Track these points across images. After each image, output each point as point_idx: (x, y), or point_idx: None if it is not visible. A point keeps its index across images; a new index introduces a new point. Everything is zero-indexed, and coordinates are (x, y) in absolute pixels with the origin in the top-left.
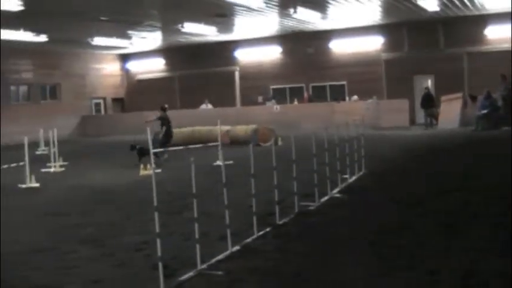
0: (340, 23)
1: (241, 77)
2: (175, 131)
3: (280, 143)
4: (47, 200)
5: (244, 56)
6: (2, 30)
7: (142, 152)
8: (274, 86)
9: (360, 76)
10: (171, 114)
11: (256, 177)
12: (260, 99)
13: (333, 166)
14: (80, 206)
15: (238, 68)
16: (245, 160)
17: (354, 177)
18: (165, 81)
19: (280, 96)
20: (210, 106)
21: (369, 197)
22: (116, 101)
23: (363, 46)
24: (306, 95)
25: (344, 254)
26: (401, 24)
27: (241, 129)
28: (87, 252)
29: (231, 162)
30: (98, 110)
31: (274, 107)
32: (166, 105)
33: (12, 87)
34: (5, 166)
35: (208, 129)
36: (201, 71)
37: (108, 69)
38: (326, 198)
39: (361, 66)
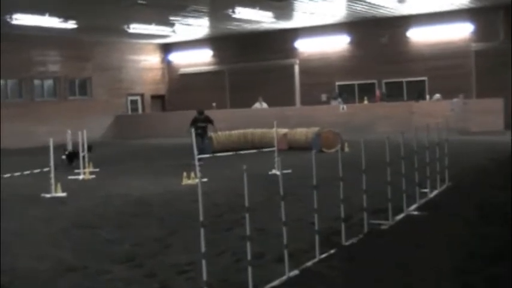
0: (420, 7)
1: (302, 72)
2: (225, 134)
3: (347, 149)
4: (75, 212)
5: (305, 46)
6: (23, 15)
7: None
8: (341, 83)
9: (444, 71)
10: (219, 113)
11: (319, 189)
12: (324, 97)
13: (410, 178)
14: (113, 219)
15: (298, 61)
16: (306, 169)
17: (435, 192)
18: (213, 75)
19: (347, 94)
20: (264, 105)
21: (454, 216)
22: (156, 98)
23: (448, 35)
24: (378, 93)
25: (423, 284)
26: (496, 8)
27: (301, 133)
28: (122, 273)
29: (289, 171)
30: (134, 109)
31: (341, 106)
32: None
33: (36, 81)
34: (27, 172)
35: (263, 132)
36: (254, 64)
37: (147, 61)
38: (401, 215)
39: (445, 59)
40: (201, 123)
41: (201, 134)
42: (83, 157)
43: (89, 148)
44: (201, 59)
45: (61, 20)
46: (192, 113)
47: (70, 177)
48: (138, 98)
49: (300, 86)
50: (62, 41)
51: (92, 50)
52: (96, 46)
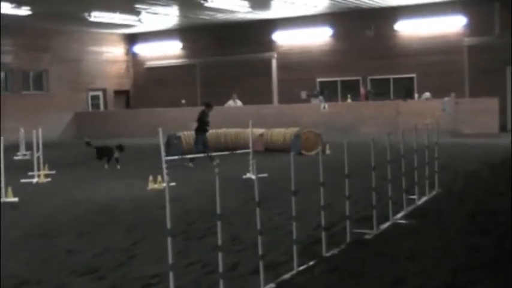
0: None
1: (280, 67)
2: (190, 133)
3: (328, 151)
4: (28, 219)
5: (284, 39)
6: None
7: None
8: (322, 79)
9: (435, 67)
10: (189, 111)
11: (298, 194)
12: (304, 95)
13: (397, 183)
14: (72, 227)
15: (276, 55)
16: (284, 173)
17: (424, 198)
18: (183, 70)
19: (329, 91)
20: (239, 103)
21: (443, 225)
22: (119, 94)
23: (439, 28)
24: (363, 90)
25: None
26: (492, 0)
27: (279, 134)
28: (82, 286)
29: (265, 175)
30: (96, 105)
31: (322, 105)
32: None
33: None
34: None
35: (237, 132)
36: (228, 58)
37: (110, 53)
38: (387, 224)
39: (436, 54)
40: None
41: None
42: (37, 158)
43: (121, 148)
44: (169, 51)
45: (14, 5)
46: (161, 112)
47: (23, 180)
48: (100, 93)
49: (278, 82)
50: (15, 29)
51: (48, 39)
52: (53, 35)
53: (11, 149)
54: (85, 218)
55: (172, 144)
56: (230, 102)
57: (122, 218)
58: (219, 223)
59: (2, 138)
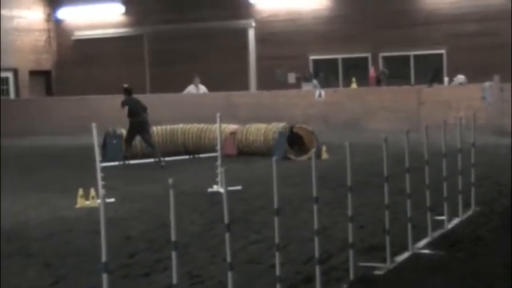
0: None
1: (260, 39)
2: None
3: (325, 155)
4: None
5: (265, 1)
6: None
7: None
8: (317, 56)
9: (471, 40)
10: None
11: (282, 214)
12: (292, 78)
13: (419, 199)
14: None
15: (254, 24)
16: (264, 185)
17: (455, 221)
18: (125, 43)
19: (327, 74)
20: (203, 89)
21: (482, 258)
22: (37, 75)
23: None
24: (373, 72)
25: None
26: None
27: (258, 131)
28: None
29: (239, 187)
30: (4, 91)
31: (317, 92)
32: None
33: None
34: None
35: (200, 129)
36: (188, 26)
37: (23, 18)
38: (405, 255)
39: (472, 22)
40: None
41: (145, 126)
42: None
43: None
44: (107, 17)
45: None
46: (94, 100)
47: None
48: (10, 74)
49: (257, 61)
50: None
51: None
52: None
53: None
54: None
55: (111, 145)
56: (191, 88)
57: (37, 247)
58: (173, 254)
59: None
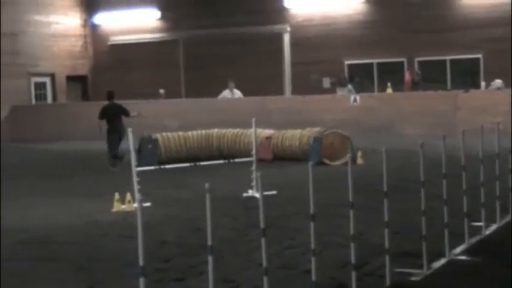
0: None
1: (295, 44)
2: (178, 136)
3: (360, 160)
4: None
5: (300, 6)
6: None
7: None
8: (352, 61)
9: (508, 44)
10: (168, 105)
11: (317, 220)
12: (327, 83)
13: (456, 205)
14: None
15: (289, 28)
16: (299, 190)
17: (493, 227)
18: (161, 48)
19: (362, 78)
20: (238, 94)
21: None
22: (74, 80)
23: None
24: (408, 76)
25: None
26: None
27: (293, 136)
28: None
29: (274, 192)
30: (41, 96)
31: (352, 97)
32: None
33: None
34: None
35: (235, 134)
36: (223, 31)
37: (60, 24)
38: (442, 262)
39: (510, 26)
40: (118, 115)
41: (119, 130)
42: None
43: None
44: (142, 22)
45: None
46: (130, 105)
47: None
48: (47, 79)
49: (292, 66)
50: None
51: None
52: None
53: None
54: (18, 254)
55: (146, 150)
56: (226, 93)
57: (72, 251)
58: (210, 258)
59: None
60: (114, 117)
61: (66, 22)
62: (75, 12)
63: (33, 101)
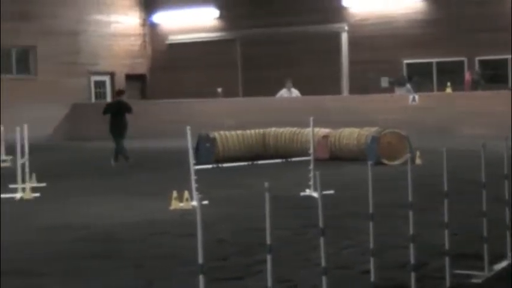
0: None
1: (353, 43)
2: (235, 134)
3: (419, 161)
4: (3, 250)
5: (358, 5)
6: None
7: None
8: (411, 60)
9: None
10: (226, 104)
11: (375, 220)
12: (385, 82)
13: None
14: (61, 263)
15: (346, 27)
16: (356, 190)
17: None
18: (218, 47)
19: (420, 78)
20: (295, 92)
21: None
22: (133, 79)
23: None
24: (468, 76)
25: None
26: None
27: (351, 135)
28: None
29: (331, 192)
30: (100, 95)
31: (410, 97)
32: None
33: None
34: None
35: (292, 133)
36: (280, 30)
37: (120, 24)
38: (504, 264)
39: None
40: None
41: (120, 128)
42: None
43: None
44: (200, 21)
45: None
46: (187, 104)
47: (2, 195)
48: (107, 78)
49: (349, 65)
50: None
51: (35, 3)
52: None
53: None
54: (78, 250)
55: (204, 148)
56: (283, 92)
57: (130, 249)
58: (268, 258)
59: None
60: (117, 113)
61: (126, 21)
62: (134, 11)
63: (93, 99)
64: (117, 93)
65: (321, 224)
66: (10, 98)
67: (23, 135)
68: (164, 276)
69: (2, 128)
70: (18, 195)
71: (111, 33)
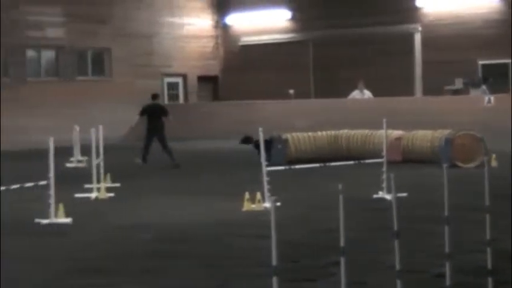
0: None
1: (426, 44)
2: (307, 136)
3: (494, 163)
4: (80, 249)
5: (432, 5)
6: None
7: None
8: (486, 61)
9: None
10: (298, 105)
11: (451, 223)
12: (459, 84)
13: None
14: (134, 262)
15: (420, 28)
16: (430, 192)
17: None
18: (291, 48)
19: (496, 79)
20: (368, 94)
21: None
22: (205, 81)
23: None
24: None
25: None
26: None
27: (424, 138)
28: None
29: (404, 194)
30: (173, 96)
31: (486, 98)
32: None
33: (31, 53)
34: (16, 186)
35: (365, 135)
36: (353, 31)
37: (192, 25)
38: None
39: None
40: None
41: (156, 130)
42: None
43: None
44: (273, 23)
45: None
46: (259, 105)
47: (77, 194)
48: (179, 80)
49: (423, 66)
50: None
51: (110, 6)
52: (116, 1)
53: (62, 153)
54: (151, 250)
55: (276, 150)
56: (355, 93)
57: (202, 249)
58: (342, 260)
59: (51, 138)
60: (153, 116)
61: (199, 23)
62: (207, 13)
63: (166, 101)
64: (152, 97)
65: (395, 226)
66: (85, 99)
67: (98, 136)
68: (237, 277)
69: (77, 129)
70: (93, 195)
71: (184, 35)
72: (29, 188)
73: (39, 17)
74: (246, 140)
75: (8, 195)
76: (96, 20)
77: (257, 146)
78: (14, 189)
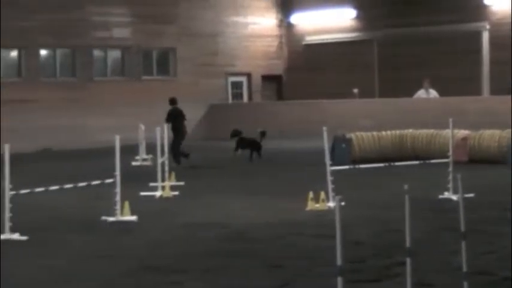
0: None
1: (494, 43)
2: (371, 136)
3: None
4: (146, 247)
5: (500, 3)
6: None
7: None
8: None
9: None
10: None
11: None
12: None
13: None
14: (199, 261)
15: (488, 26)
16: (497, 193)
17: None
18: (355, 48)
19: None
20: (433, 93)
21: None
22: (269, 80)
23: None
24: None
25: None
26: None
27: (491, 138)
28: None
29: (471, 195)
30: (237, 95)
31: None
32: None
33: (97, 52)
34: (83, 184)
35: (430, 134)
36: (418, 30)
37: (257, 25)
38: None
39: None
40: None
41: (182, 132)
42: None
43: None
44: (337, 22)
45: None
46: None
47: (142, 193)
48: (244, 79)
49: (490, 65)
50: None
51: (175, 6)
52: (181, 1)
53: (128, 151)
54: (215, 249)
55: (340, 149)
56: (421, 93)
57: (265, 248)
58: (408, 260)
59: (117, 137)
60: (176, 120)
61: (263, 23)
62: (271, 13)
63: (230, 100)
64: (171, 101)
65: (462, 227)
66: (150, 98)
67: (163, 134)
68: (300, 276)
69: (142, 128)
70: (158, 193)
71: (248, 35)
72: (95, 186)
73: (106, 17)
74: (235, 133)
75: (75, 193)
76: (161, 20)
77: (241, 140)
78: (81, 187)
